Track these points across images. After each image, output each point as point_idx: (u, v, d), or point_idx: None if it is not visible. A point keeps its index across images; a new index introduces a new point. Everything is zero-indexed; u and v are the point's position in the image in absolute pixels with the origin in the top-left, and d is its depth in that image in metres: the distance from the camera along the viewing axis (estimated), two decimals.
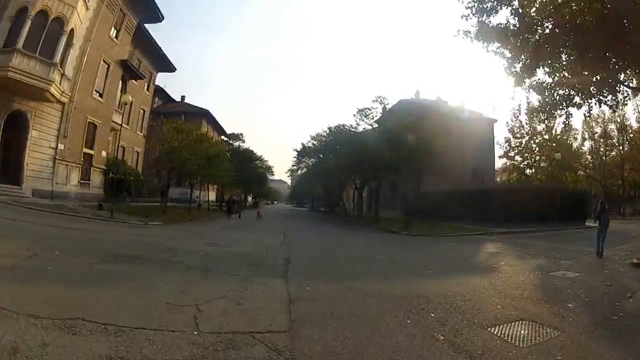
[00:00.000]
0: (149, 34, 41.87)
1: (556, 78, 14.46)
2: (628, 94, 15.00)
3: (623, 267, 12.75)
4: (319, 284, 8.87)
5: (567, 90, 14.54)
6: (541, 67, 14.18)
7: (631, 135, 53.55)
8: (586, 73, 13.57)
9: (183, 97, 69.51)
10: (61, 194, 28.01)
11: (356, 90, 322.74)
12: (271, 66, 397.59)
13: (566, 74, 14.13)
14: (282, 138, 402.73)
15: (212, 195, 62.59)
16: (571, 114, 15.07)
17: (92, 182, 33.43)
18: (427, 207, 37.64)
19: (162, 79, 61.26)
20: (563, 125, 49.25)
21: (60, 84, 26.50)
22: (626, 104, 15.70)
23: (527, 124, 55.45)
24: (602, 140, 57.27)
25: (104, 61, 32.96)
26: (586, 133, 59.17)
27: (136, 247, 12.56)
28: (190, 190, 37.82)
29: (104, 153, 35.28)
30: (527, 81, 14.60)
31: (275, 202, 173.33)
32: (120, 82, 37.77)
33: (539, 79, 14.73)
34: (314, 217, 58.88)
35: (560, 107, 14.95)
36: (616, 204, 56.44)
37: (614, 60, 12.98)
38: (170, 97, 64.66)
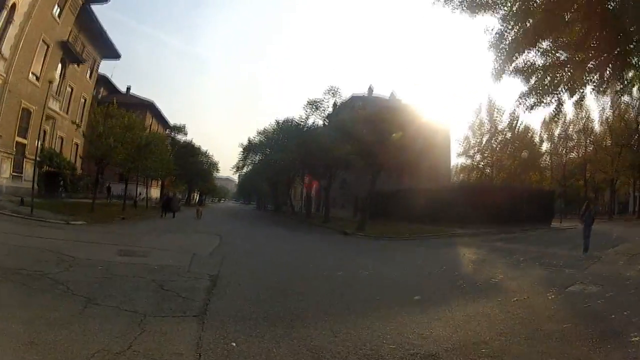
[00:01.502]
0: (94, 14, 37.52)
1: (549, 60, 11.74)
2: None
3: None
4: (253, 332, 5.34)
5: (562, 72, 11.88)
6: (540, 42, 11.42)
7: (594, 137, 53.21)
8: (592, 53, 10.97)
9: (129, 88, 64.74)
10: None
11: (307, 87, 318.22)
12: (222, 62, 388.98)
13: (563, 54, 11.46)
14: (235, 137, 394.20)
15: (157, 192, 59.07)
16: (563, 102, 12.43)
17: (25, 175, 29.44)
18: (380, 206, 35.49)
19: (108, 69, 57.11)
20: (553, 114, 48.11)
21: None
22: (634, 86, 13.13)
23: (487, 121, 55.30)
24: (561, 142, 56.87)
25: (43, 41, 29.43)
26: (545, 134, 58.85)
27: (22, 256, 9.53)
28: (125, 185, 33.69)
29: (38, 143, 30.89)
30: (514, 63, 11.81)
31: (223, 199, 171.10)
32: (60, 65, 33.90)
33: (529, 61, 12.02)
34: (260, 216, 55.83)
35: (553, 92, 12.30)
36: (574, 205, 57.01)
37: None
38: (116, 88, 59.51)
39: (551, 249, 17.17)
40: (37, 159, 30.70)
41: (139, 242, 14.78)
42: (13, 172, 27.83)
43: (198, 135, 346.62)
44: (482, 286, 9.37)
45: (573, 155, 56.76)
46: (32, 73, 28.78)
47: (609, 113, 49.84)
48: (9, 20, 24.45)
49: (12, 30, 25.24)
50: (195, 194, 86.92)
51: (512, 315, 6.71)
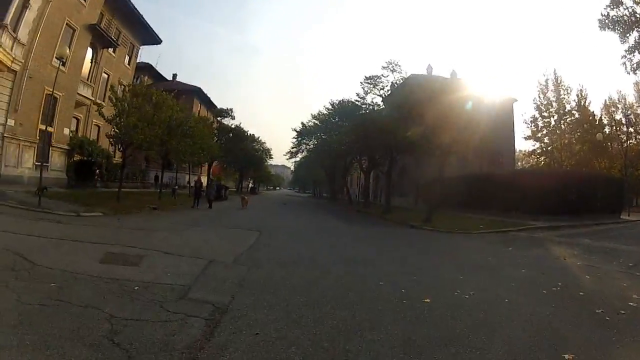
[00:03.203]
0: None
1: None
2: None
3: None
4: None
5: None
6: None
7: None
8: None
9: (175, 75, 65.63)
10: (11, 178, 23.86)
11: (362, 73, 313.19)
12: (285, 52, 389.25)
13: None
14: (292, 125, 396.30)
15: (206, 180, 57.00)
16: None
17: (52, 164, 28.40)
18: (443, 194, 31.56)
19: (152, 57, 56.19)
20: None
21: (11, 50, 23.18)
22: None
23: (555, 100, 50.76)
24: (621, 127, 50.69)
25: (67, 25, 27.99)
26: (605, 118, 52.99)
27: None
28: (162, 171, 31.92)
29: (66, 131, 30.13)
30: None
31: (278, 187, 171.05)
32: (91, 50, 32.96)
33: None
34: (314, 204, 52.03)
35: None
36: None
37: None
38: (162, 75, 59.45)
39: None
40: (67, 147, 29.79)
41: (144, 240, 11.37)
42: (36, 161, 25.99)
43: (254, 126, 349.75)
44: (629, 317, 6.16)
45: (632, 142, 50.24)
46: (56, 58, 26.42)
47: None
48: (24, 5, 23.59)
49: (30, 15, 24.29)
50: (249, 182, 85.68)
51: None
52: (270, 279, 7.65)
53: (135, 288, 6.25)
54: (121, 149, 23.92)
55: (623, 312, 6.25)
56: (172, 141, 26.03)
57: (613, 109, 51.48)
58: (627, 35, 24.29)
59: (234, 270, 8.32)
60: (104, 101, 33.59)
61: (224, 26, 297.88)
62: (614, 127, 51.50)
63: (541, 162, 54.08)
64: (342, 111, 45.15)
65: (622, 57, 24.61)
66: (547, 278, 8.99)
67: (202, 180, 30.32)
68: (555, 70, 60.28)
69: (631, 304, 6.77)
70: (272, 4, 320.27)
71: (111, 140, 26.65)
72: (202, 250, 10.25)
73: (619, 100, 50.49)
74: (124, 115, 22.12)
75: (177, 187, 34.41)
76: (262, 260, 9.65)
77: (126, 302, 5.58)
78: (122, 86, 24.79)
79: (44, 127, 23.98)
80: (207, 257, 9.27)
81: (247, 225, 18.33)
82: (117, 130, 22.91)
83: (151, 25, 41.50)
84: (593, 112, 51.75)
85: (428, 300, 6.54)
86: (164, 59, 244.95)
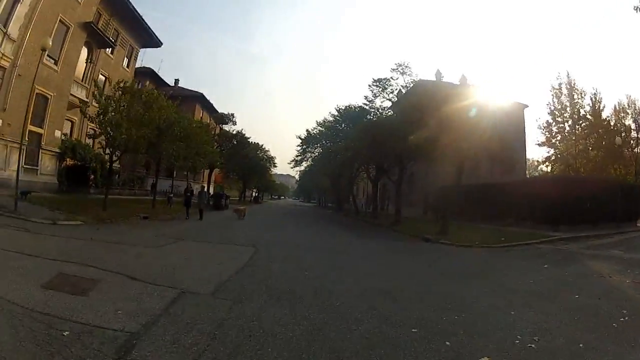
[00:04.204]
0: None
1: None
2: None
3: None
4: None
5: None
6: None
7: None
8: None
9: (177, 81, 64.44)
10: None
11: (373, 74, 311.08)
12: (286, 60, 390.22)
13: None
14: (298, 132, 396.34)
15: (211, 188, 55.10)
16: None
17: (42, 168, 27.21)
18: (458, 204, 29.82)
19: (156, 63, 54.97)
20: None
21: (1, 45, 22.31)
22: None
23: (569, 105, 49.13)
24: (629, 134, 48.21)
25: (61, 22, 26.82)
26: (617, 124, 50.32)
27: None
28: (155, 177, 30.02)
29: (58, 133, 28.58)
30: None
31: (282, 197, 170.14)
32: (86, 50, 31.64)
33: None
34: (319, 215, 49.83)
35: None
36: None
37: None
38: (164, 81, 57.59)
39: None
40: (58, 150, 28.18)
41: (113, 257, 9.42)
42: (24, 164, 24.28)
43: (259, 134, 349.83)
44: None
45: None
46: (48, 56, 25.70)
47: None
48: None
49: (22, 9, 23.20)
50: (253, 191, 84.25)
51: None
52: (259, 324, 5.44)
53: (65, 334, 4.40)
54: (108, 151, 22.06)
55: None
56: (163, 144, 23.96)
57: (622, 115, 49.12)
58: None
59: (212, 306, 6.16)
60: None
61: (229, 34, 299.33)
62: (624, 133, 49.51)
63: (555, 169, 52.15)
64: (348, 117, 43.53)
65: None
66: (607, 304, 7.40)
67: (194, 188, 27.60)
68: (568, 74, 58.84)
69: None
70: (282, 11, 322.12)
71: (100, 142, 24.76)
72: (177, 274, 8.22)
73: (628, 105, 48.56)
74: (108, 113, 20.38)
75: (172, 195, 32.66)
76: (252, 290, 7.39)
77: (41, 358, 3.80)
78: (111, 82, 23.19)
79: (34, 128, 22.55)
80: (182, 284, 7.27)
81: (242, 239, 16.04)
82: (100, 129, 21.12)
83: (153, 29, 40.57)
84: (607, 117, 49.71)
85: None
86: (168, 66, 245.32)
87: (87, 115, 21.55)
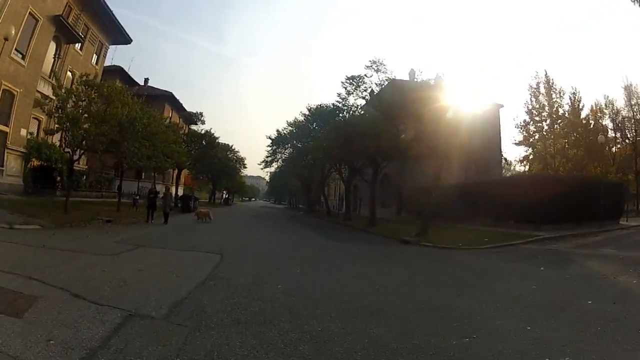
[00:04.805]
0: None
1: None
2: None
3: None
4: None
5: None
6: None
7: None
8: None
9: (146, 80, 62.21)
10: None
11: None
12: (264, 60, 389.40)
13: None
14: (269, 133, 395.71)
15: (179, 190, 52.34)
16: None
17: (7, 168, 25.58)
18: (437, 204, 29.32)
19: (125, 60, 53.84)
20: None
21: None
22: None
23: (547, 104, 50.07)
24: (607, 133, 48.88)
25: (31, 14, 25.47)
26: (592, 122, 51.42)
27: None
28: (120, 179, 28.44)
29: (23, 132, 27.00)
30: None
31: (253, 199, 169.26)
32: (54, 44, 30.00)
33: None
34: (290, 217, 48.60)
35: None
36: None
37: None
38: (134, 80, 55.14)
39: None
40: (24, 150, 26.57)
41: (58, 269, 8.08)
42: None
43: (229, 134, 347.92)
44: None
45: (619, 147, 49.37)
46: (16, 50, 24.42)
47: None
48: None
49: None
50: (223, 193, 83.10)
51: None
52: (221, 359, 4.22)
53: None
54: (68, 151, 20.67)
55: None
56: (125, 142, 21.95)
57: (599, 114, 50.14)
58: None
59: (164, 335, 4.81)
60: None
61: (203, 36, 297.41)
62: (600, 134, 50.02)
63: (533, 168, 52.77)
64: (320, 116, 43.09)
65: None
66: (625, 311, 6.85)
67: (155, 190, 25.68)
68: (546, 73, 59.24)
69: None
70: (258, 13, 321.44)
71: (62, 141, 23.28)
72: (128, 290, 6.86)
73: (606, 105, 49.12)
74: (67, 107, 18.89)
75: (138, 197, 31.25)
76: (214, 311, 6.02)
77: None
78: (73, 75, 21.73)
79: None
80: (131, 304, 5.93)
81: (207, 245, 14.62)
82: (57, 125, 19.60)
83: (124, 28, 38.88)
84: (587, 116, 50.66)
85: None
86: (140, 67, 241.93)
87: (45, 110, 20.42)
